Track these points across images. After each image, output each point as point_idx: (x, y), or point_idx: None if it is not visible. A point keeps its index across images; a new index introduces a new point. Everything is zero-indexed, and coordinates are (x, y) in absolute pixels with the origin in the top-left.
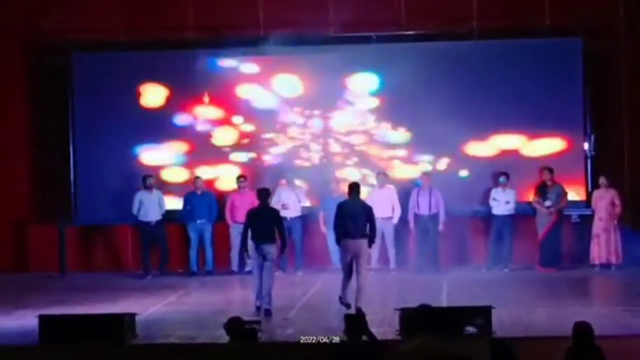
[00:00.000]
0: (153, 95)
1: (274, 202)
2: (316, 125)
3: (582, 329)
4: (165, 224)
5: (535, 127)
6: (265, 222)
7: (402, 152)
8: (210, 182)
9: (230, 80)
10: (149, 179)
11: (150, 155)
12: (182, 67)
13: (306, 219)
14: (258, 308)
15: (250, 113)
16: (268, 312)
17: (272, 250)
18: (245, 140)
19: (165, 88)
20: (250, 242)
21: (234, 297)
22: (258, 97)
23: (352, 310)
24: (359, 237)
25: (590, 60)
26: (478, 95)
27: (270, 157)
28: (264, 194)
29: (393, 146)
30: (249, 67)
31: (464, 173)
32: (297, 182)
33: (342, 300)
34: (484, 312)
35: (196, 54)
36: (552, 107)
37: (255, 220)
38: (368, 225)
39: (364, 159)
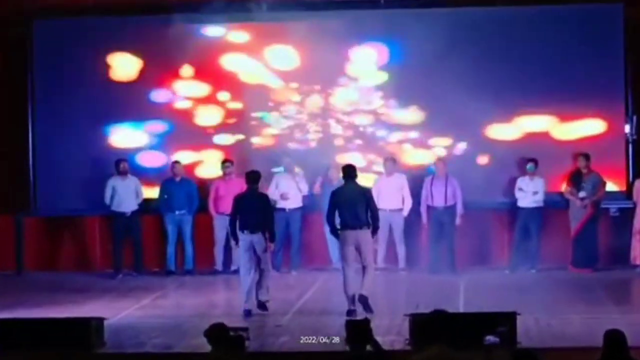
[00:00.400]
0: (125, 67)
1: (271, 192)
2: (314, 103)
3: (615, 338)
4: (140, 215)
5: (568, 106)
6: (252, 208)
7: (413, 135)
8: (190, 168)
9: (215, 51)
10: (123, 163)
11: (122, 136)
12: (158, 35)
13: (306, 210)
14: (247, 312)
15: (238, 89)
16: (263, 306)
17: (261, 241)
18: (232, 120)
19: (139, 59)
20: (238, 233)
21: (218, 300)
22: (247, 70)
23: (358, 306)
24: (358, 226)
25: (632, 30)
26: (502, 69)
27: (261, 140)
28: (252, 178)
29: (403, 128)
30: (237, 35)
31: (485, 159)
32: (297, 169)
33: (351, 312)
34: (508, 319)
35: (175, 19)
36: (587, 84)
37: (241, 207)
38: (369, 212)
39: (369, 143)
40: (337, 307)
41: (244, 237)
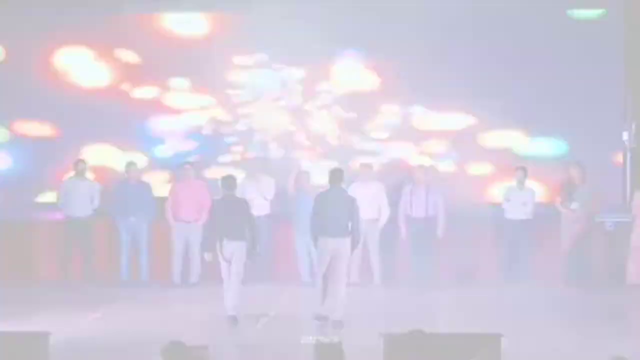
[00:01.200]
0: (67, 59)
1: None
2: (281, 102)
3: None
4: (94, 221)
5: (561, 111)
6: (233, 215)
7: (391, 139)
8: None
9: (171, 40)
10: (81, 163)
11: (60, 131)
12: (104, 21)
13: (272, 218)
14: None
15: (193, 81)
16: (234, 319)
17: (241, 250)
18: (190, 116)
19: (85, 49)
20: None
21: (175, 315)
22: (205, 62)
23: (330, 326)
24: (339, 235)
25: (633, 28)
26: (492, 72)
27: (218, 140)
28: (229, 184)
29: (380, 131)
30: (196, 24)
31: (470, 167)
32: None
33: (319, 316)
34: (492, 341)
35: (123, 4)
36: (583, 88)
37: (221, 213)
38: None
39: (342, 147)
40: (305, 325)
41: (224, 246)
